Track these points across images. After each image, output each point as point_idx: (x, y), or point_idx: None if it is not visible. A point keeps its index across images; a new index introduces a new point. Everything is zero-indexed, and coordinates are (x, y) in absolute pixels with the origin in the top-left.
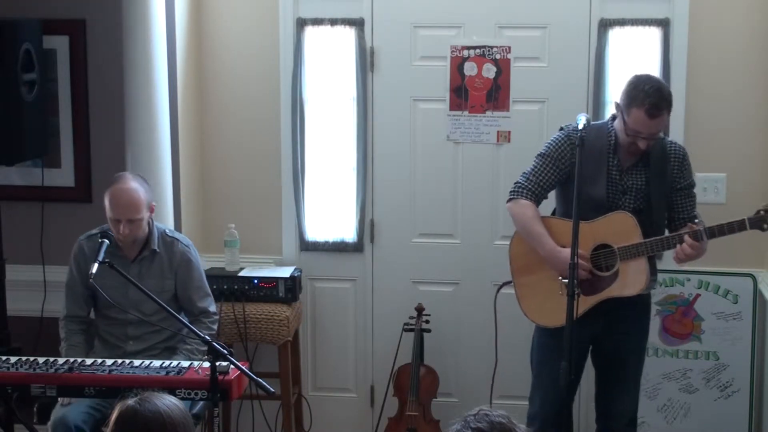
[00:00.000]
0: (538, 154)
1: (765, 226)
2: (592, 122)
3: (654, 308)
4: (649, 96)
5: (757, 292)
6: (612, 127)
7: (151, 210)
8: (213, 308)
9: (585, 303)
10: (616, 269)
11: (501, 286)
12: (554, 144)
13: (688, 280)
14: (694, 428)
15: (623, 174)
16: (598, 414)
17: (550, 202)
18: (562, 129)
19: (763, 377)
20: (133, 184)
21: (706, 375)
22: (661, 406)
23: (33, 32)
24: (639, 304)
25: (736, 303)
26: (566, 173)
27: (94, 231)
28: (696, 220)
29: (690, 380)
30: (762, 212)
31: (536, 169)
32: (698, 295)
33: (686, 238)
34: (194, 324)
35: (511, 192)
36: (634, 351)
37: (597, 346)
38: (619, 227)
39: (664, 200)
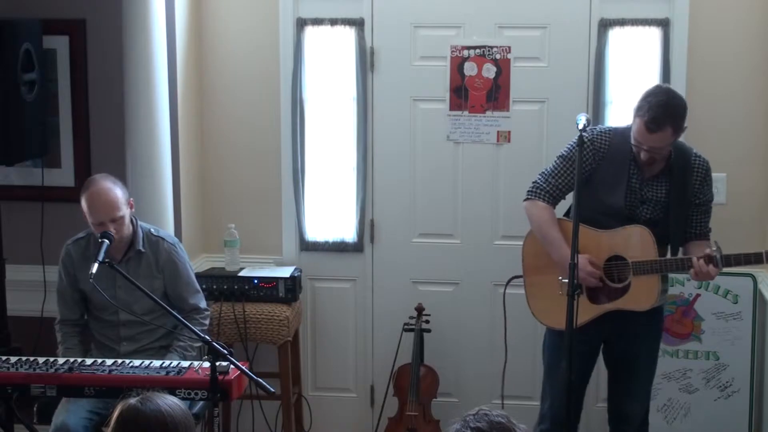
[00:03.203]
0: (559, 156)
1: None
2: (618, 126)
3: None
4: (652, 109)
5: (757, 292)
6: None
7: (130, 206)
8: (203, 304)
9: (592, 310)
10: (628, 282)
11: (511, 279)
12: (576, 148)
13: (688, 280)
14: (694, 428)
15: (643, 184)
16: (610, 416)
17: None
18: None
19: (763, 377)
20: (106, 184)
21: (706, 375)
22: (661, 406)
23: (33, 32)
24: (653, 309)
25: (736, 303)
26: (586, 177)
27: (81, 235)
28: (714, 248)
29: (690, 380)
30: None
31: (556, 171)
32: (698, 295)
33: (701, 262)
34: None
35: (528, 191)
36: (646, 354)
37: (608, 348)
38: (636, 241)
39: (683, 213)
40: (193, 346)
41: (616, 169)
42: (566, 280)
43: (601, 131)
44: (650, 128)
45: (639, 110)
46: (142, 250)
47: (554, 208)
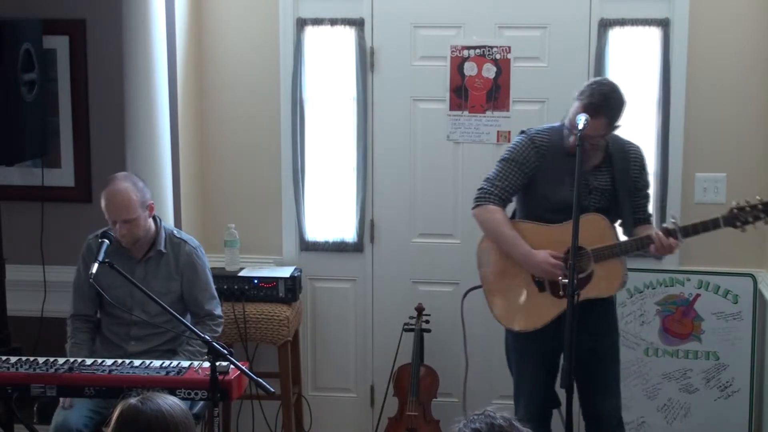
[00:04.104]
0: (502, 159)
1: (738, 223)
2: (554, 124)
3: (654, 308)
4: (593, 95)
5: (757, 292)
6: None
7: (150, 209)
8: (218, 311)
9: (558, 305)
10: (590, 271)
11: (468, 291)
12: (518, 148)
13: (688, 280)
14: (694, 428)
15: (587, 174)
16: (585, 419)
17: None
18: (523, 132)
19: (763, 377)
20: (123, 184)
21: (706, 375)
22: (661, 406)
23: (33, 32)
24: (606, 302)
25: (736, 303)
26: (530, 177)
27: (104, 230)
28: (672, 219)
29: (690, 380)
30: (735, 210)
31: (501, 174)
32: (698, 295)
33: (660, 235)
34: (198, 326)
35: (476, 198)
36: (610, 349)
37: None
38: (592, 229)
39: (629, 199)
40: (202, 352)
41: (559, 164)
42: (566, 281)
43: (539, 130)
44: (587, 112)
45: (581, 94)
46: (164, 251)
47: (504, 210)
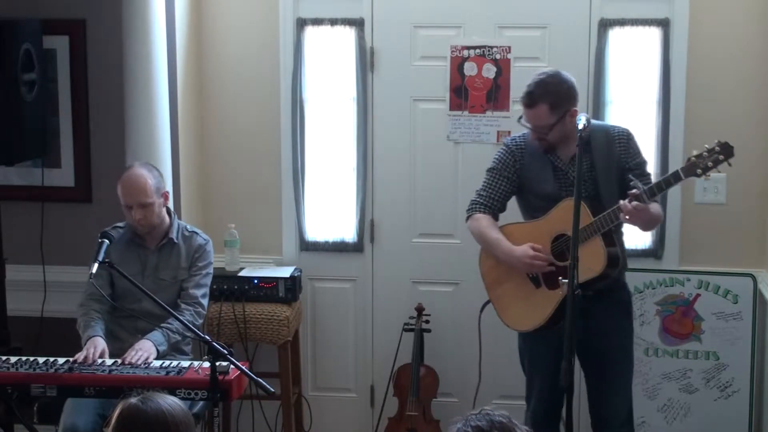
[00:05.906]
0: (487, 170)
1: (699, 171)
2: (522, 131)
3: (654, 308)
4: (529, 86)
5: (757, 292)
6: None
7: (165, 197)
8: (205, 302)
9: (555, 297)
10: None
11: (484, 306)
12: (498, 157)
13: (688, 280)
14: (694, 428)
15: (567, 166)
16: (592, 417)
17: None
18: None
19: (763, 377)
20: (140, 170)
21: (706, 375)
22: (661, 406)
23: (33, 32)
24: (618, 304)
25: (736, 303)
26: (516, 182)
27: (120, 224)
28: (632, 182)
29: (690, 380)
30: (693, 158)
31: (486, 184)
32: (698, 295)
33: (626, 203)
34: (184, 306)
35: (467, 211)
36: (618, 351)
37: (580, 348)
38: (569, 214)
39: (613, 182)
40: (183, 334)
41: (539, 162)
42: (566, 280)
43: (514, 137)
44: (526, 103)
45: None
46: (176, 241)
47: (495, 218)
